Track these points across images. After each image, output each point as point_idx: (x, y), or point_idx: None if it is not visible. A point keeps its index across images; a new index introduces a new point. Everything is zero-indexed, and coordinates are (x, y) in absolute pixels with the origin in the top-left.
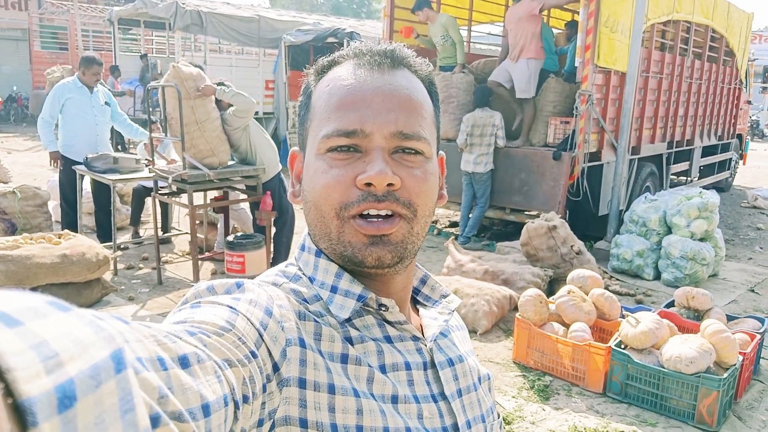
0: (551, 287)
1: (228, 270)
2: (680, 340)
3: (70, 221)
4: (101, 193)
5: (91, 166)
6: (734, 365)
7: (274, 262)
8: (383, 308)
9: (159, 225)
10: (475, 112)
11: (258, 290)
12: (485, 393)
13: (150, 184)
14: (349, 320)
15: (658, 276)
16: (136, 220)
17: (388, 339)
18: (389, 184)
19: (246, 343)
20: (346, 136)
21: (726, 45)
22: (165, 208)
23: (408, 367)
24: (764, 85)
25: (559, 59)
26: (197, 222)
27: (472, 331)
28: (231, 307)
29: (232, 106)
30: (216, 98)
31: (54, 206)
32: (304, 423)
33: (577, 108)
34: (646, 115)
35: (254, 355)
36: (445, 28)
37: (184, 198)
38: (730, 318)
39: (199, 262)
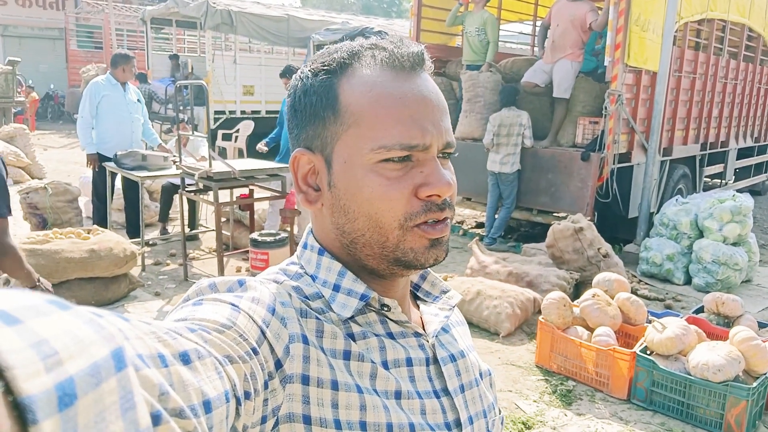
0: (577, 290)
1: (252, 267)
2: (708, 347)
3: (101, 217)
4: (130, 189)
5: (120, 163)
6: (765, 374)
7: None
8: (386, 308)
9: (186, 222)
10: (502, 112)
11: (260, 288)
12: (486, 389)
13: (178, 181)
14: (351, 317)
15: (688, 281)
16: (164, 217)
17: (390, 335)
18: None
19: (247, 340)
20: (407, 149)
21: (763, 44)
22: (192, 206)
23: (410, 362)
24: None
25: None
26: (223, 219)
27: (495, 334)
28: (233, 305)
29: None
30: None
31: (85, 202)
32: (307, 419)
33: (606, 108)
34: (678, 116)
35: (255, 352)
36: (483, 23)
37: (210, 195)
38: (762, 325)
39: (225, 258)
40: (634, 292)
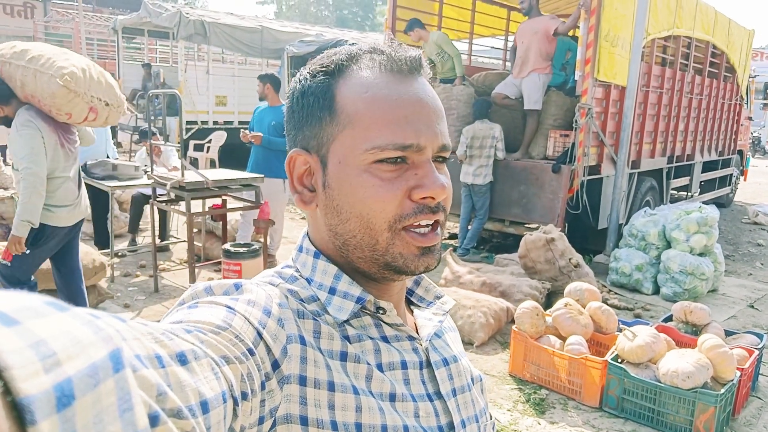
0: (549, 300)
1: (225, 278)
2: (677, 354)
3: None
4: (100, 200)
5: (90, 172)
6: (732, 381)
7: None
8: (381, 311)
9: (157, 233)
10: (474, 124)
11: (257, 290)
12: (478, 394)
13: (148, 191)
14: (346, 320)
15: (657, 290)
16: (134, 228)
17: (385, 338)
18: None
19: (243, 341)
20: (401, 149)
21: (727, 61)
22: (163, 216)
23: (404, 365)
24: (765, 101)
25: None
26: (195, 230)
27: (468, 343)
28: (229, 307)
29: None
30: None
31: None
32: (304, 420)
33: (576, 121)
34: (646, 130)
35: (252, 353)
36: (438, 46)
37: (182, 206)
38: (728, 333)
39: (196, 269)
40: (604, 301)
